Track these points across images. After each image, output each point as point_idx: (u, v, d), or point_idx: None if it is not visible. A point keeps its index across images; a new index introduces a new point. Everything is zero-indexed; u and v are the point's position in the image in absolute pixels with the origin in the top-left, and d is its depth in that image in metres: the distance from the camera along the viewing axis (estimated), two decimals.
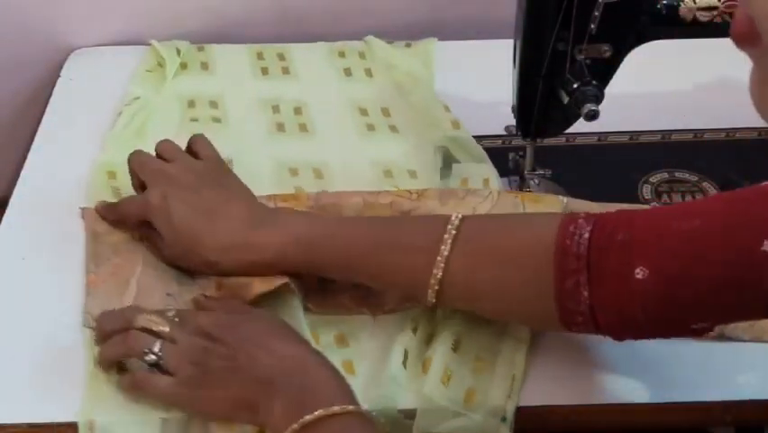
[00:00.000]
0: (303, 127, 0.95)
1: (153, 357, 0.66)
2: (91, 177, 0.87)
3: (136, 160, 0.79)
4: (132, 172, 0.79)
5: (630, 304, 0.61)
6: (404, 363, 0.71)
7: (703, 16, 0.75)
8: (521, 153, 0.87)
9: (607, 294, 0.61)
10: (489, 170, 0.87)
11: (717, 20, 0.75)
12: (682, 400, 0.72)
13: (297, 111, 0.97)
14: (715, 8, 0.75)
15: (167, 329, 0.67)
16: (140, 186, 0.79)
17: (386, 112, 0.97)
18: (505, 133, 0.89)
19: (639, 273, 0.60)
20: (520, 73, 0.78)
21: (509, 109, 0.82)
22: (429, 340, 0.73)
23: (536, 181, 0.87)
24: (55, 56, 1.06)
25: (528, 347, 0.72)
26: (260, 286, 0.72)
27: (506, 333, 0.73)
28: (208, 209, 0.74)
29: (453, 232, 0.67)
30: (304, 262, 0.72)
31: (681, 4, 0.75)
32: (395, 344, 0.72)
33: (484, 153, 0.88)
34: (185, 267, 0.76)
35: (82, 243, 0.82)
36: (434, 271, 0.67)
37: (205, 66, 1.03)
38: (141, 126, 0.94)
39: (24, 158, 0.92)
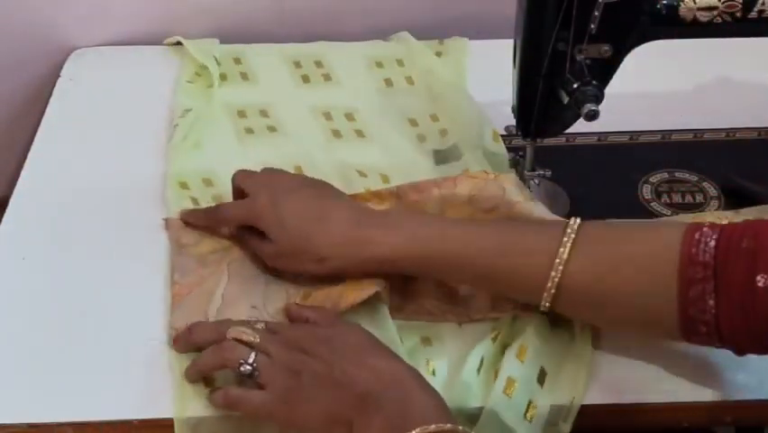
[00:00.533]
0: (360, 133, 0.95)
1: (249, 368, 0.65)
2: (167, 190, 0.87)
3: (240, 174, 0.79)
4: (236, 187, 0.79)
5: (754, 313, 0.60)
6: (478, 369, 0.71)
7: (703, 16, 0.75)
8: (521, 153, 0.87)
9: (733, 303, 0.61)
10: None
11: (717, 20, 0.75)
12: (682, 400, 0.72)
13: (350, 117, 0.97)
14: (715, 8, 0.75)
15: (258, 340, 0.67)
16: (239, 197, 0.79)
17: (435, 118, 0.96)
18: (505, 133, 0.89)
19: (761, 281, 0.60)
20: (520, 73, 0.78)
21: (509, 109, 0.82)
22: (503, 349, 0.73)
23: (536, 181, 0.87)
24: (55, 56, 1.06)
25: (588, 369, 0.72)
26: (351, 296, 0.72)
27: (570, 351, 0.73)
28: (319, 209, 0.74)
29: (573, 236, 0.67)
30: (418, 260, 0.71)
31: (681, 4, 0.75)
32: (474, 349, 0.72)
33: (511, 170, 0.87)
34: (289, 268, 0.75)
35: (82, 243, 0.82)
36: (552, 273, 0.67)
37: (244, 76, 1.02)
38: (198, 138, 0.93)
39: (24, 158, 0.92)
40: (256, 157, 0.90)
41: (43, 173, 0.90)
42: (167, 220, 0.84)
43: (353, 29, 1.08)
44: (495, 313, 0.75)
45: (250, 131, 0.95)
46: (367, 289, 0.72)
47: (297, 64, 1.04)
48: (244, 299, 0.75)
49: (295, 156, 0.91)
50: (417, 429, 0.59)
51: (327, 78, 1.02)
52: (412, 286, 0.77)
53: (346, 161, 0.91)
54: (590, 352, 0.73)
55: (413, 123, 0.96)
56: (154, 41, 1.06)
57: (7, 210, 0.86)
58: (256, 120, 0.96)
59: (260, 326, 0.69)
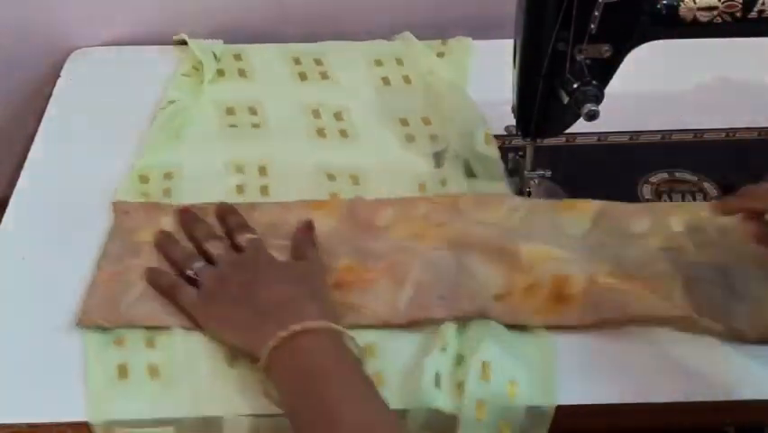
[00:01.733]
0: (343, 133, 0.95)
1: (191, 272, 0.76)
2: (124, 179, 0.88)
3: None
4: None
5: None
6: (436, 383, 0.71)
7: (703, 16, 0.75)
8: (521, 153, 0.87)
9: None
10: (502, 188, 0.87)
11: (717, 20, 0.75)
12: (683, 401, 0.72)
13: (338, 116, 0.97)
14: (715, 8, 0.75)
15: (218, 252, 0.78)
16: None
17: (426, 121, 0.96)
18: (505, 133, 0.89)
19: None
20: (520, 73, 0.78)
21: (509, 109, 0.82)
22: (460, 362, 0.73)
23: (536, 181, 0.87)
24: (55, 56, 1.06)
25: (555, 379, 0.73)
26: None
27: (535, 356, 0.74)
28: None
29: None
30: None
31: (681, 4, 0.75)
32: (425, 362, 0.72)
33: (503, 173, 0.88)
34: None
35: (81, 242, 0.82)
36: None
37: (242, 73, 1.02)
38: (178, 131, 0.94)
39: (24, 158, 0.92)
40: (228, 153, 0.91)
41: (43, 173, 0.90)
42: (114, 204, 0.85)
43: (356, 29, 1.08)
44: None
45: (233, 126, 0.95)
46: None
47: (297, 61, 1.04)
48: (161, 297, 0.77)
49: (266, 155, 0.91)
50: (293, 326, 0.67)
51: (324, 75, 1.02)
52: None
53: (320, 161, 0.91)
54: (555, 353, 0.73)
55: (404, 122, 0.96)
56: (154, 41, 1.06)
57: (7, 210, 0.86)
58: (243, 117, 0.96)
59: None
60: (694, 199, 0.87)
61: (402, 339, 0.75)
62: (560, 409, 0.71)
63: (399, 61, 1.03)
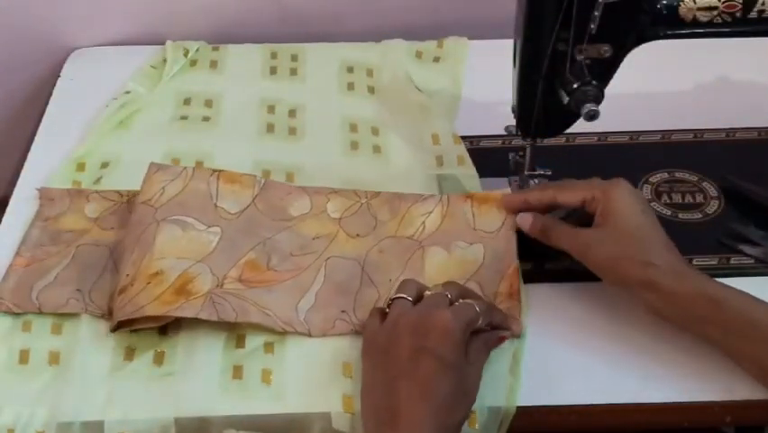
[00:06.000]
0: (292, 131, 0.95)
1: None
2: (60, 167, 0.89)
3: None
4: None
5: None
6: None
7: (703, 16, 0.75)
8: (521, 153, 0.87)
9: None
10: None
11: (717, 20, 0.75)
12: (682, 400, 0.72)
13: (292, 113, 0.97)
14: (715, 8, 0.75)
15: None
16: None
17: (375, 131, 0.95)
18: (505, 133, 0.89)
19: None
20: (520, 73, 0.78)
21: (509, 109, 0.82)
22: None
23: (536, 181, 0.87)
24: (55, 56, 1.06)
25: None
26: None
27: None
28: (652, 218, 0.74)
29: None
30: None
31: (681, 4, 0.75)
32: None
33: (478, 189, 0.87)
34: (607, 254, 0.73)
35: None
36: None
37: (214, 65, 1.03)
38: (126, 120, 0.95)
39: (24, 158, 0.92)
40: (169, 145, 0.92)
41: (43, 173, 0.90)
42: (40, 190, 0.85)
43: (353, 29, 1.08)
44: (334, 331, 0.76)
45: (183, 118, 0.95)
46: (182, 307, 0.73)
47: (274, 55, 1.04)
48: (74, 283, 0.77)
49: (207, 149, 0.91)
50: None
51: (294, 72, 1.02)
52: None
53: (259, 156, 0.91)
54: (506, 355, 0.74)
55: (353, 128, 0.95)
56: (154, 41, 1.06)
57: (7, 210, 0.86)
58: (196, 109, 0.97)
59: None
60: (694, 199, 0.87)
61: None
62: (560, 409, 0.71)
63: (369, 72, 1.03)
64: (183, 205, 0.80)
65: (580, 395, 0.72)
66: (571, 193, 0.78)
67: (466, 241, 0.81)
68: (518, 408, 0.71)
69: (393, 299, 0.71)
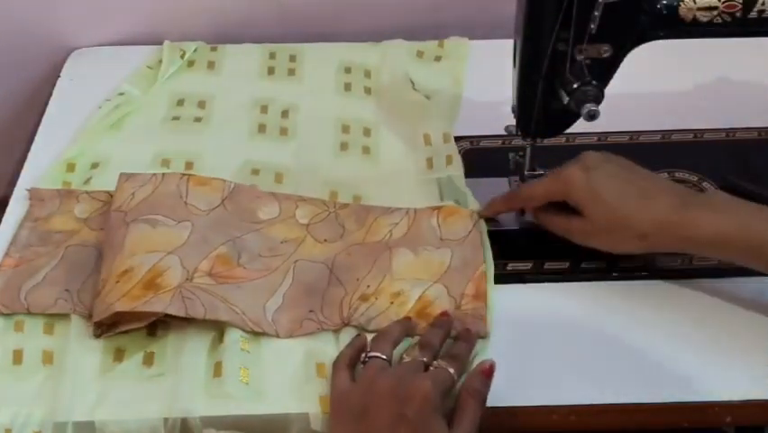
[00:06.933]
0: (284, 131, 0.95)
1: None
2: (50, 167, 0.89)
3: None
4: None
5: None
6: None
7: (703, 16, 0.75)
8: (521, 153, 0.87)
9: None
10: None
11: (717, 20, 0.75)
12: (682, 400, 0.72)
13: (285, 114, 0.97)
14: (715, 8, 0.75)
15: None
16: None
17: (367, 132, 0.95)
18: (505, 133, 0.89)
19: None
20: (520, 73, 0.78)
21: (509, 109, 0.82)
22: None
23: None
24: (55, 56, 1.06)
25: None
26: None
27: None
28: (639, 185, 0.75)
29: None
30: (743, 249, 0.71)
31: (681, 4, 0.75)
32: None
33: (467, 194, 0.86)
34: (602, 245, 0.76)
35: None
36: None
37: (211, 65, 1.03)
38: (119, 122, 0.94)
39: (24, 158, 0.92)
40: (160, 146, 0.92)
41: (43, 173, 0.90)
42: (30, 191, 0.85)
43: (353, 30, 1.08)
44: (302, 332, 0.76)
45: (176, 119, 0.95)
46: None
47: (273, 56, 1.04)
48: (62, 284, 0.77)
49: (197, 150, 0.91)
50: None
51: (292, 72, 1.02)
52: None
53: (250, 157, 0.91)
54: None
55: (345, 129, 0.95)
56: (154, 41, 1.06)
57: (7, 210, 0.86)
58: (189, 109, 0.97)
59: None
60: None
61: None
62: (560, 409, 0.71)
63: (367, 73, 1.02)
64: (153, 205, 0.80)
65: (579, 395, 0.72)
66: (536, 199, 0.79)
67: (433, 246, 0.81)
68: (518, 408, 0.71)
69: (369, 357, 0.69)
